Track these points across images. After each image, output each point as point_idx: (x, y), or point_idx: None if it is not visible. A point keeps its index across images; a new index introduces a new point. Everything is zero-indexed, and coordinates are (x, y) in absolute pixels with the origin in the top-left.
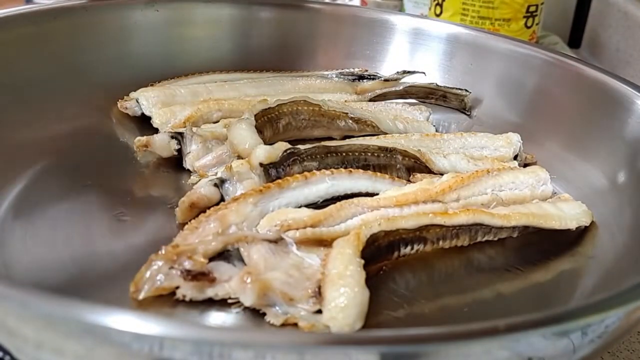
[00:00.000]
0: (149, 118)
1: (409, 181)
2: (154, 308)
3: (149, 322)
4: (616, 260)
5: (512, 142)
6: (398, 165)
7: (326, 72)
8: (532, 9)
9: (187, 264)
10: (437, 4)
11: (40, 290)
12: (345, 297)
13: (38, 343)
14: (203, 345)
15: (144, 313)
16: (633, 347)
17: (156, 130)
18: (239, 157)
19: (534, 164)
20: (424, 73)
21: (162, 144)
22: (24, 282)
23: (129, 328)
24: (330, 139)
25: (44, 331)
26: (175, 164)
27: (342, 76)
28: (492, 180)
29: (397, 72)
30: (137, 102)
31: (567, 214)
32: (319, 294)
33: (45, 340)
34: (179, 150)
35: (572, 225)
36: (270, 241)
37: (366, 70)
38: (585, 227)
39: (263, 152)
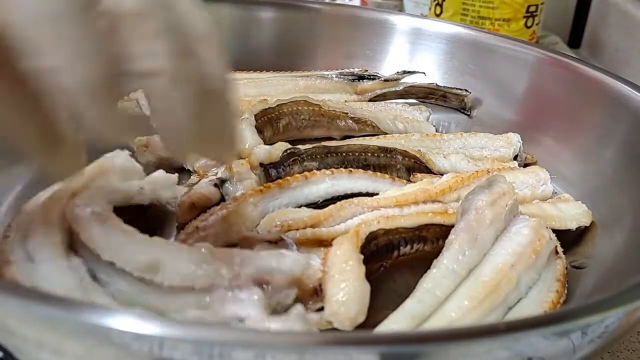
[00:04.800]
0: (149, 118)
1: (409, 181)
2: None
3: (149, 322)
4: (616, 260)
5: (512, 142)
6: (398, 166)
7: (326, 72)
8: (532, 9)
9: None
10: (437, 4)
11: (40, 290)
12: (345, 291)
13: (38, 343)
14: (203, 345)
15: (144, 313)
16: (633, 347)
17: (156, 130)
18: (239, 157)
19: (534, 163)
20: (424, 73)
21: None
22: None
23: (129, 328)
24: (330, 139)
25: (44, 331)
26: (176, 164)
27: (342, 76)
28: None
29: (397, 72)
30: (137, 102)
31: (567, 214)
32: (320, 291)
33: (45, 341)
34: None
35: (572, 225)
36: (270, 242)
37: (366, 71)
38: (585, 227)
39: (263, 152)
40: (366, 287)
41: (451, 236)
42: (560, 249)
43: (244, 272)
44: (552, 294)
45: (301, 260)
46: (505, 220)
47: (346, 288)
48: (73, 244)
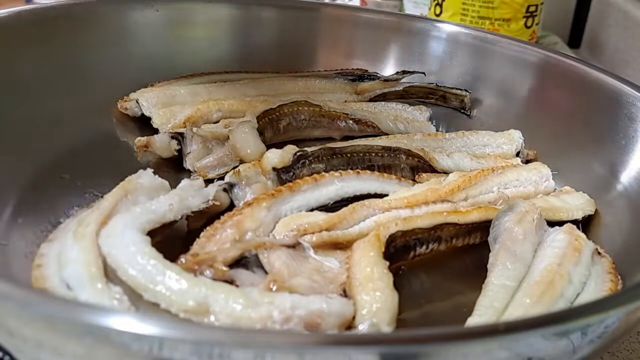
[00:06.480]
0: (149, 118)
1: (413, 180)
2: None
3: (148, 322)
4: (615, 260)
5: (513, 138)
6: (402, 165)
7: (326, 72)
8: (532, 9)
9: (209, 273)
10: (437, 4)
11: (40, 290)
12: (377, 301)
13: (38, 343)
14: (203, 345)
15: (144, 313)
16: (632, 347)
17: (156, 131)
18: (241, 161)
19: (535, 159)
20: (423, 73)
21: (162, 145)
22: (24, 282)
23: (128, 328)
24: (330, 139)
25: (43, 331)
26: (176, 164)
27: (342, 76)
28: (498, 178)
29: (397, 72)
30: (137, 102)
31: (572, 204)
32: (344, 297)
33: (45, 341)
34: (179, 151)
35: (579, 215)
36: (288, 246)
37: (366, 71)
38: (585, 226)
39: (276, 157)
40: (396, 297)
41: (491, 259)
42: (601, 250)
43: (296, 314)
44: (608, 284)
45: (350, 303)
46: (537, 234)
47: (377, 297)
48: (108, 273)
